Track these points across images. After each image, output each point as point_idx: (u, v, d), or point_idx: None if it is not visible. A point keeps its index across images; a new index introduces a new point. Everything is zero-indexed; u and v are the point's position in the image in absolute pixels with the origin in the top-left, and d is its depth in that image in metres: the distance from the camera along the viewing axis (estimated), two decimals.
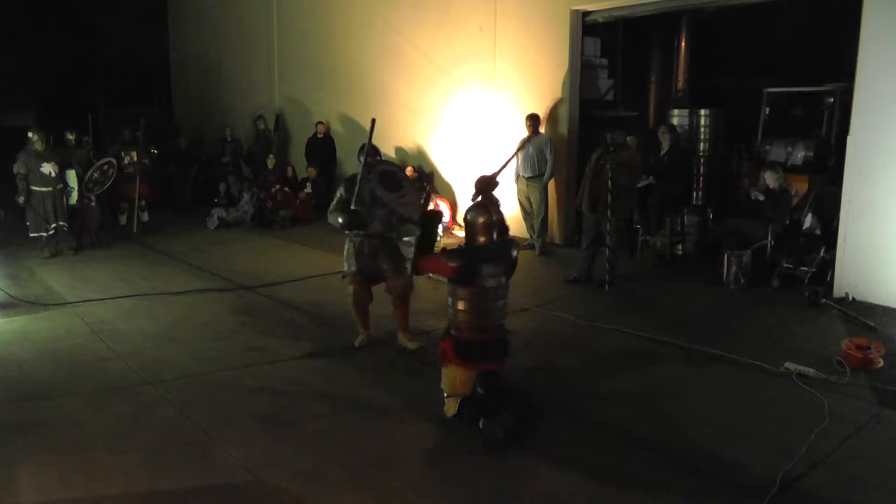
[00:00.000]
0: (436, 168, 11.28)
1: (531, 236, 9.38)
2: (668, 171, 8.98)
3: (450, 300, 4.55)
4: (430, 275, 5.24)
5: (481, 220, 4.55)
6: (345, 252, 5.79)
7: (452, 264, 4.44)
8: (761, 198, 7.74)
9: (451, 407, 4.46)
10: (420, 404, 4.73)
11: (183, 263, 8.89)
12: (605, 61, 11.47)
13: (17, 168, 8.89)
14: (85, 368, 5.39)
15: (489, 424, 4.23)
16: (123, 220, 10.79)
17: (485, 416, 4.27)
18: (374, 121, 5.73)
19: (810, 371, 5.14)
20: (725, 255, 7.52)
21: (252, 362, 5.52)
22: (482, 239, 4.55)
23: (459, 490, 3.77)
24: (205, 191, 13.00)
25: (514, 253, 4.66)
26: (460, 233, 10.43)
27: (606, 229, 7.44)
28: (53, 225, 9.05)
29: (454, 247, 5.17)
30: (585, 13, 9.32)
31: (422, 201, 10.17)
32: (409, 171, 11.07)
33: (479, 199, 4.98)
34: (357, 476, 3.88)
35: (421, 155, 11.44)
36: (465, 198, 10.87)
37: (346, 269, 5.79)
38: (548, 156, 8.98)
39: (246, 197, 11.83)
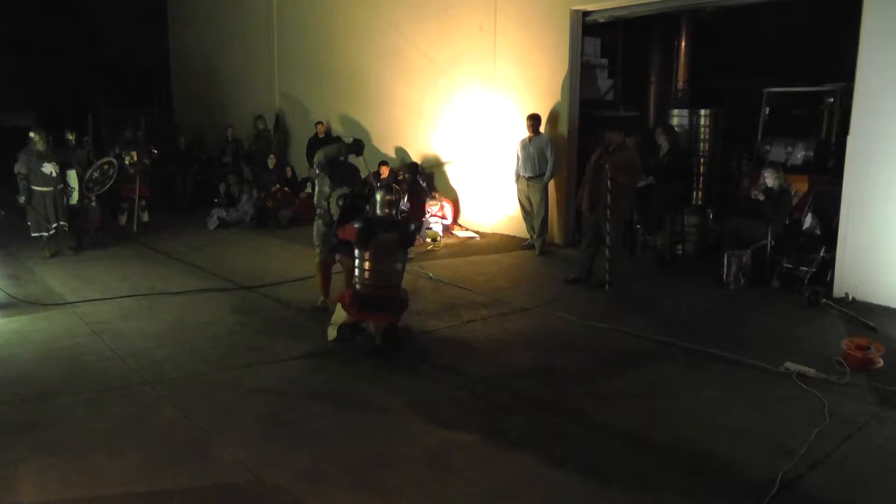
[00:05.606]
0: (435, 168, 11.27)
1: (531, 236, 9.38)
2: (668, 171, 8.97)
3: (357, 262, 5.68)
4: (342, 237, 6.13)
5: (387, 197, 5.81)
6: (315, 230, 6.77)
7: (356, 226, 5.61)
8: (761, 198, 7.73)
9: (332, 333, 5.77)
10: (420, 404, 4.73)
11: (183, 263, 8.89)
12: (605, 61, 11.45)
13: (18, 168, 8.89)
14: (85, 368, 5.38)
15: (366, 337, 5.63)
16: (123, 220, 10.79)
17: (358, 334, 5.73)
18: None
19: (810, 371, 5.15)
20: (725, 255, 7.52)
21: (252, 362, 5.52)
22: (386, 211, 5.77)
23: (459, 490, 3.77)
24: (205, 191, 13.00)
25: (411, 227, 5.98)
26: (461, 232, 10.46)
27: (606, 229, 7.45)
28: (54, 225, 9.04)
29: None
30: (585, 13, 9.32)
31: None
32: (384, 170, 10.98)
33: (397, 179, 6.28)
34: (357, 476, 3.87)
35: (421, 155, 11.43)
36: (466, 198, 10.88)
37: (318, 242, 6.75)
38: (548, 156, 8.98)
39: (245, 197, 11.84)
